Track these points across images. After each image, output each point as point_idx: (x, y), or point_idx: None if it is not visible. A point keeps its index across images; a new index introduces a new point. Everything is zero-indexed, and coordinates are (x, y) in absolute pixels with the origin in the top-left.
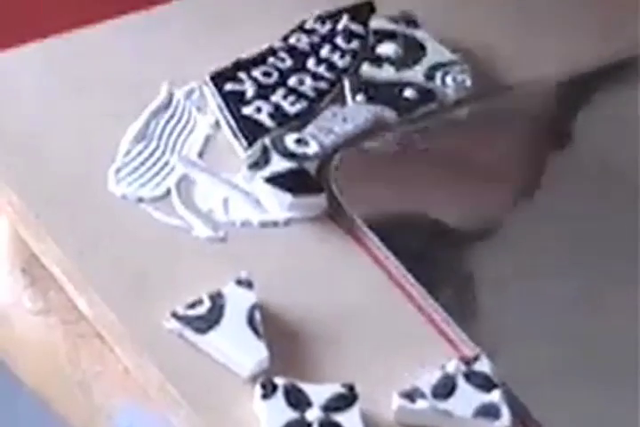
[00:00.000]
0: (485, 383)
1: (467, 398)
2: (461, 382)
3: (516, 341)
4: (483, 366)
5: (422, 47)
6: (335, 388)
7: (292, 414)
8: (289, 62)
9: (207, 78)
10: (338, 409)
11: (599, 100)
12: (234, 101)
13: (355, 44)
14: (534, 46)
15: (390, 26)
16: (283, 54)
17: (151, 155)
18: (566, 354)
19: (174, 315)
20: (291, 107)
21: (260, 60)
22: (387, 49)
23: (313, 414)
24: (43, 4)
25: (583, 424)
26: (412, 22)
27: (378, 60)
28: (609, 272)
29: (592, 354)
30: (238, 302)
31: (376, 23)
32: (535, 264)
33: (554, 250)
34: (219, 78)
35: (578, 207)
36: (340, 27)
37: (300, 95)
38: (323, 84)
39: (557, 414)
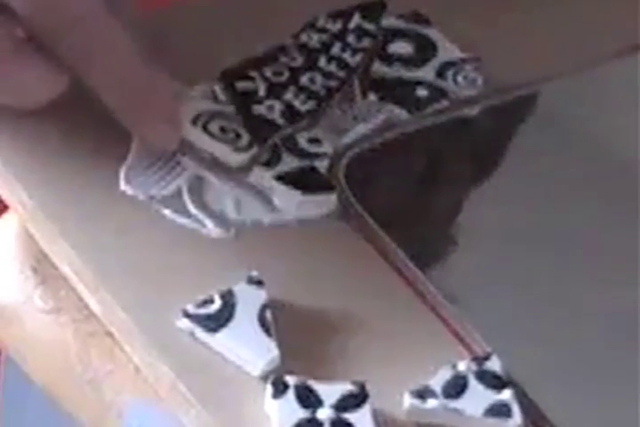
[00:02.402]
0: (496, 382)
1: (478, 398)
2: (472, 381)
3: (522, 338)
4: (494, 365)
5: (434, 46)
6: (346, 387)
7: (303, 414)
8: (300, 60)
9: (218, 77)
10: (349, 408)
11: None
12: (245, 100)
13: (366, 43)
14: (546, 44)
15: (402, 24)
16: (294, 52)
17: (162, 154)
18: (576, 349)
19: (185, 313)
20: (302, 105)
21: (271, 58)
22: (398, 47)
23: (324, 413)
24: None
25: (595, 423)
26: (423, 21)
27: (389, 59)
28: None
29: (603, 349)
30: (249, 301)
31: (387, 21)
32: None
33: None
34: (230, 77)
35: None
36: (351, 25)
37: (312, 94)
38: (334, 83)
39: (569, 413)
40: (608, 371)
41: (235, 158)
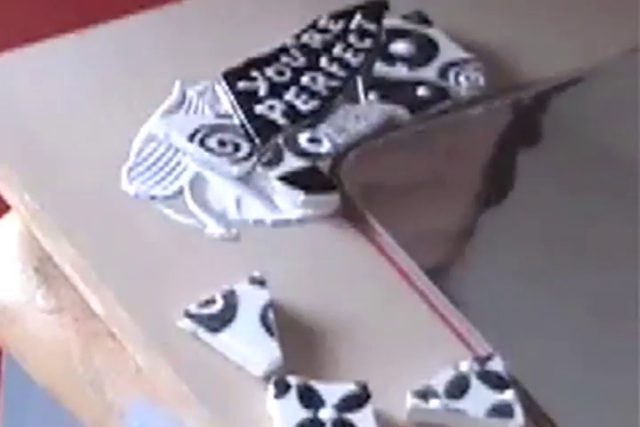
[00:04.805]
0: (499, 383)
1: (480, 398)
2: (475, 381)
3: (524, 339)
4: (496, 365)
5: (435, 46)
6: (348, 387)
7: (305, 414)
8: (302, 61)
9: (220, 77)
10: (351, 408)
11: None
12: (246, 100)
13: (368, 43)
14: (547, 45)
15: (403, 24)
16: (295, 53)
17: (164, 154)
18: (578, 350)
19: (187, 314)
20: (304, 105)
21: (272, 58)
22: (400, 47)
23: (326, 414)
24: (50, 3)
25: (596, 422)
26: (424, 21)
27: (391, 59)
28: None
29: (604, 350)
30: (251, 301)
31: (389, 22)
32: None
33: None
34: (231, 77)
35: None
36: (352, 25)
37: (313, 94)
38: (335, 83)
39: (571, 413)
40: (609, 372)
41: (233, 170)
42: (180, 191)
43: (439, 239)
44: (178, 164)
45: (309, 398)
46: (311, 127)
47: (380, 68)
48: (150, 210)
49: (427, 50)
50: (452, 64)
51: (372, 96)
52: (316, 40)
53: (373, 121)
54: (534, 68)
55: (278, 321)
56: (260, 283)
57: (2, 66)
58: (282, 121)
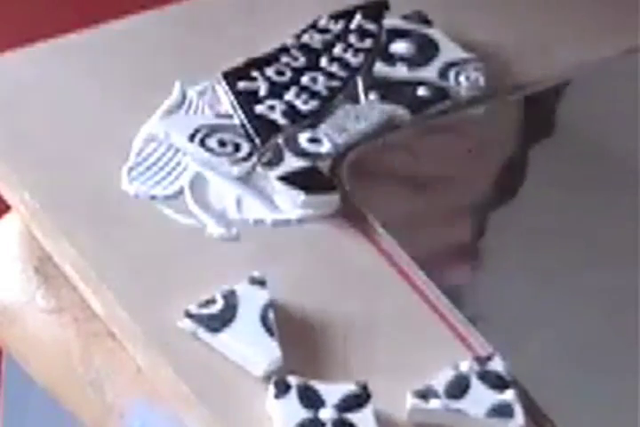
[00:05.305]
0: (499, 383)
1: (480, 398)
2: (475, 381)
3: (524, 339)
4: (496, 365)
5: (435, 46)
6: (348, 387)
7: (305, 414)
8: (302, 61)
9: (220, 77)
10: (351, 408)
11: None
12: (246, 100)
13: (368, 43)
14: (547, 45)
15: (403, 24)
16: (295, 53)
17: (164, 154)
18: (578, 350)
19: (187, 314)
20: (304, 105)
21: (272, 58)
22: (400, 47)
23: (326, 414)
24: (51, 3)
25: (596, 422)
26: (424, 21)
27: (391, 59)
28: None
29: (605, 350)
30: (251, 301)
31: (389, 22)
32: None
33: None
34: (231, 77)
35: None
36: (353, 25)
37: (313, 94)
38: (336, 83)
39: (572, 413)
40: (610, 372)
41: (233, 170)
42: (180, 191)
43: (441, 239)
44: (178, 164)
45: (309, 398)
46: (311, 127)
47: (380, 68)
48: (150, 210)
49: (427, 50)
50: (452, 64)
51: (372, 96)
52: (316, 40)
53: (373, 121)
54: (534, 68)
55: (278, 321)
56: (260, 283)
57: (2, 66)
58: (282, 121)
